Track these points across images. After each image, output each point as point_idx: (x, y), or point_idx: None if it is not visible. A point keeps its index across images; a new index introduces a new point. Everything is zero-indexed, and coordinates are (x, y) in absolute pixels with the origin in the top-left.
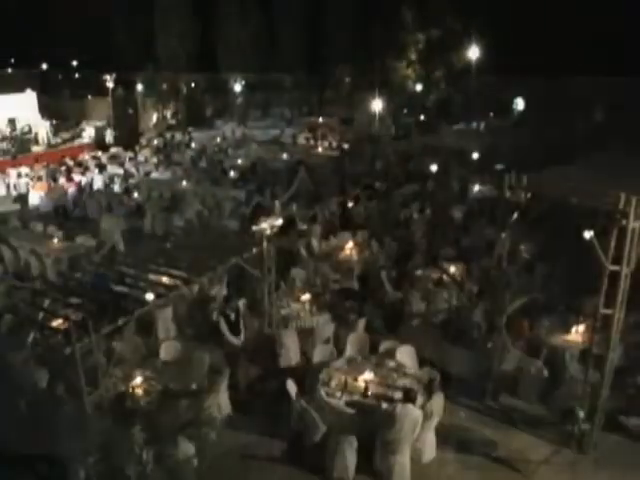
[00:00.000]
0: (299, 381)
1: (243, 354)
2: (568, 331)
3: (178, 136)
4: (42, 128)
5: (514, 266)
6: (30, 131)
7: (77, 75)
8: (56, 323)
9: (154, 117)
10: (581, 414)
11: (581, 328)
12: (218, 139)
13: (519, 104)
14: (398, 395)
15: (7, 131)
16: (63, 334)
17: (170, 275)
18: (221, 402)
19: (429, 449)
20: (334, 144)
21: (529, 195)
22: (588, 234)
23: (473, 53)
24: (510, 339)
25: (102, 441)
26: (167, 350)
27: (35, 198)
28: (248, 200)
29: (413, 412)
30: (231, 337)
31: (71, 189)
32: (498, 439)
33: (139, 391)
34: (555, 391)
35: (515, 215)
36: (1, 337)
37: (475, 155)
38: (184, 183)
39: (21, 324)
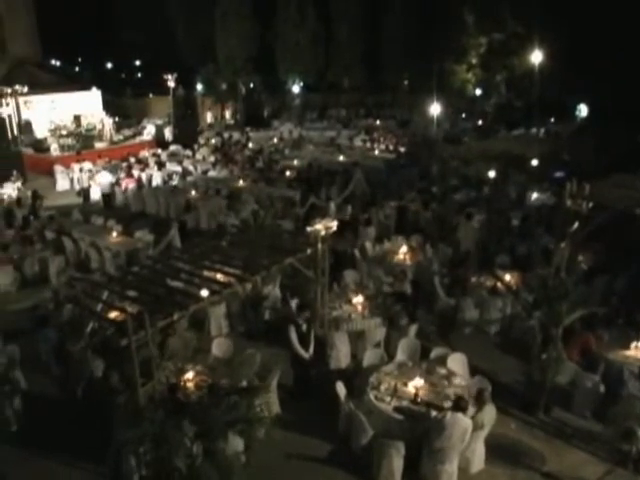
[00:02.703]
0: (348, 384)
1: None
2: (627, 346)
3: (236, 135)
4: (105, 125)
5: (572, 276)
6: (94, 128)
7: (139, 74)
8: (113, 315)
9: (212, 116)
10: None
11: None
12: (275, 139)
13: (582, 110)
14: (448, 403)
15: (72, 127)
16: (120, 326)
17: (224, 272)
18: (270, 401)
19: (478, 460)
20: (391, 147)
21: (591, 204)
22: None
23: (536, 57)
24: (566, 351)
25: (154, 431)
26: (219, 347)
27: (96, 192)
28: (303, 201)
29: (463, 421)
30: (300, 350)
31: (131, 185)
32: (549, 454)
33: (191, 385)
34: (612, 408)
35: (575, 224)
36: (62, 326)
37: (534, 161)
38: (240, 182)
39: (80, 314)
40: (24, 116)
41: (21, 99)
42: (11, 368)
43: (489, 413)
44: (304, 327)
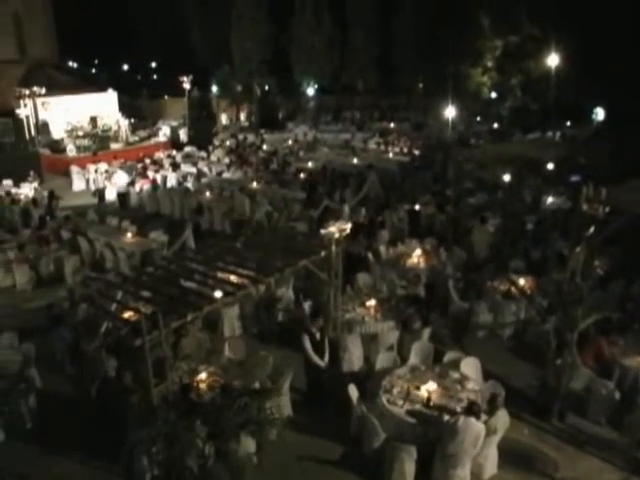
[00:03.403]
0: (361, 387)
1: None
2: None
3: (251, 137)
4: (121, 126)
5: (588, 281)
6: (110, 129)
7: (155, 76)
8: (128, 315)
9: (227, 118)
10: None
11: None
12: (289, 142)
13: (599, 114)
14: (461, 407)
15: (89, 128)
16: (134, 326)
17: (238, 274)
18: (282, 404)
19: (490, 465)
20: (405, 150)
21: (607, 209)
22: None
23: (552, 60)
24: (580, 357)
25: (166, 431)
26: (232, 348)
27: (112, 193)
28: (308, 202)
29: (475, 426)
30: (315, 358)
31: (146, 186)
32: (563, 461)
33: (203, 386)
34: (627, 415)
35: (591, 228)
36: (76, 325)
37: (550, 165)
38: (254, 184)
39: (95, 314)
40: (41, 117)
41: (39, 100)
42: (27, 366)
43: (502, 418)
44: (318, 335)
